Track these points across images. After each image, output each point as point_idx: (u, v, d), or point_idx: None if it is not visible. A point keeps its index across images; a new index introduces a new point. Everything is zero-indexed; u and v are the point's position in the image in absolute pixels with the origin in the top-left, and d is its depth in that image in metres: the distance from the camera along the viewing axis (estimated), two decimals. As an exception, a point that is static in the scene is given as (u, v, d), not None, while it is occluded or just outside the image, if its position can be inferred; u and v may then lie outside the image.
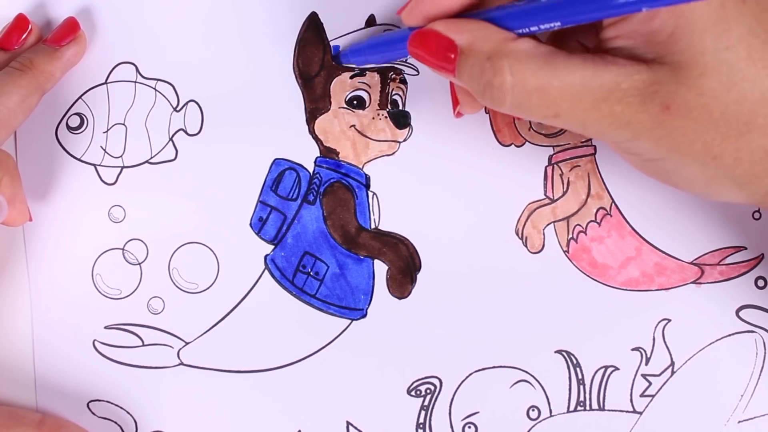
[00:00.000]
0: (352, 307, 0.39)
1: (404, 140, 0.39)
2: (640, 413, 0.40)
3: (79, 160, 0.39)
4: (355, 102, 0.39)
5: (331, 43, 0.39)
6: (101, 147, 0.39)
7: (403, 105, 0.39)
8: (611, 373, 0.40)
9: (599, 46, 0.30)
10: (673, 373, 0.40)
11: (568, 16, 0.27)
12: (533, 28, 0.29)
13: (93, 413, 0.39)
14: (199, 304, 0.39)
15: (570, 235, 0.39)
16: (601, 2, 0.26)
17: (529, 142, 0.39)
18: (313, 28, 0.39)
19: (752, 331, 0.40)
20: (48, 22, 0.39)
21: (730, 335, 0.40)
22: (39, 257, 0.39)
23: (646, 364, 0.40)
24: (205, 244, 0.39)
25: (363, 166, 0.39)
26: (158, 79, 0.39)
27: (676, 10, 0.27)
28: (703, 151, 0.29)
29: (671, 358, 0.40)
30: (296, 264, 0.39)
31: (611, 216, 0.40)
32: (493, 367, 0.39)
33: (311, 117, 0.39)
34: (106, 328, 0.39)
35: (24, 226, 0.39)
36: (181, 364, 0.39)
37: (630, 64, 0.28)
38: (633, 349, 0.40)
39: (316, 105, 0.39)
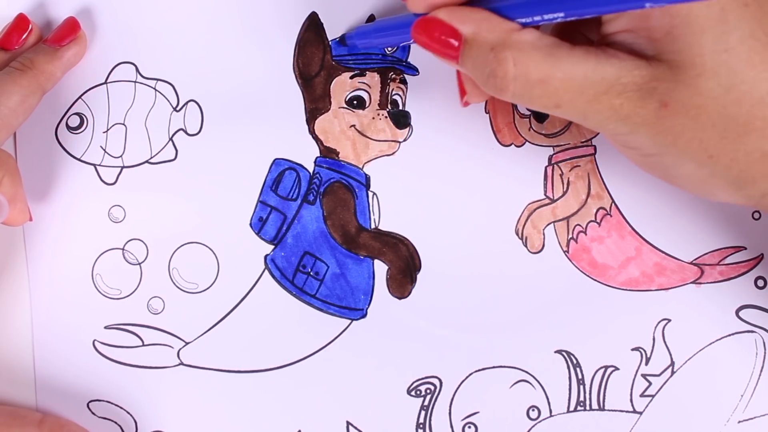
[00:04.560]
0: (352, 307, 0.39)
1: (404, 140, 0.39)
2: (640, 413, 0.40)
3: (79, 160, 0.39)
4: (355, 102, 0.39)
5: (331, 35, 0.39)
6: (101, 147, 0.39)
7: (403, 105, 0.39)
8: (611, 373, 0.40)
9: (602, 39, 0.30)
10: (673, 373, 0.40)
11: (571, 8, 0.27)
12: (537, 18, 0.29)
13: (93, 413, 0.39)
14: (199, 304, 0.39)
15: (570, 235, 0.39)
16: None
17: (529, 142, 0.39)
18: (313, 28, 0.39)
19: (752, 331, 0.40)
20: (48, 22, 0.39)
21: (730, 335, 0.40)
22: (39, 257, 0.39)
23: (646, 364, 0.40)
24: (205, 244, 0.39)
25: (363, 166, 0.39)
26: (158, 79, 0.39)
27: (670, 11, 0.27)
28: (700, 150, 0.29)
29: (671, 358, 0.40)
30: (296, 264, 0.39)
31: (611, 216, 0.40)
32: (493, 367, 0.39)
33: (311, 117, 0.39)
34: (106, 328, 0.39)
35: (24, 226, 0.39)
36: (181, 364, 0.39)
37: (631, 59, 0.28)
38: (633, 349, 0.40)
39: (316, 105, 0.39)
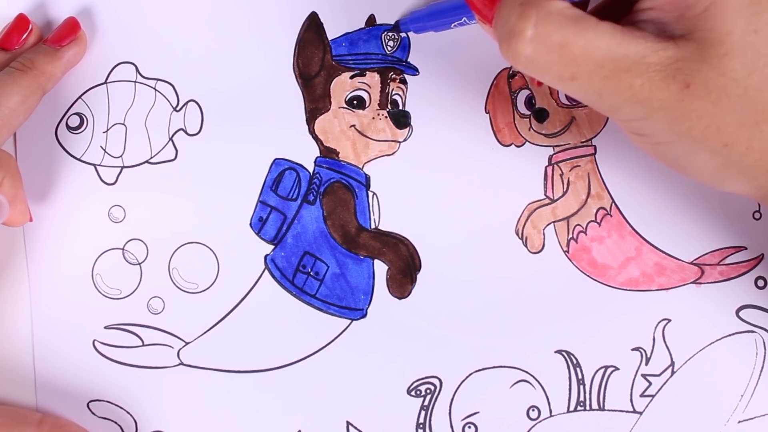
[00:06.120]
0: (352, 307, 0.39)
1: (404, 140, 0.39)
2: (640, 413, 0.40)
3: (79, 160, 0.39)
4: (355, 102, 0.39)
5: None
6: (101, 147, 0.39)
7: (403, 105, 0.39)
8: (611, 373, 0.40)
9: (631, 18, 0.30)
10: (673, 373, 0.40)
11: None
12: None
13: (93, 413, 0.39)
14: (199, 304, 0.39)
15: (570, 235, 0.39)
16: None
17: (529, 142, 0.39)
18: (313, 28, 0.39)
19: (752, 331, 0.40)
20: (48, 22, 0.39)
21: (730, 335, 0.40)
22: (39, 257, 0.39)
23: (646, 364, 0.40)
24: (205, 244, 0.39)
25: (363, 166, 0.39)
26: (158, 79, 0.39)
27: None
28: (716, 137, 0.29)
29: (671, 358, 0.40)
30: (296, 264, 0.39)
31: (611, 216, 0.40)
32: (493, 367, 0.39)
33: (311, 117, 0.39)
34: (106, 328, 0.39)
35: (24, 226, 0.39)
36: (181, 364, 0.39)
37: (657, 40, 0.28)
38: (633, 349, 0.40)
39: (316, 105, 0.39)
